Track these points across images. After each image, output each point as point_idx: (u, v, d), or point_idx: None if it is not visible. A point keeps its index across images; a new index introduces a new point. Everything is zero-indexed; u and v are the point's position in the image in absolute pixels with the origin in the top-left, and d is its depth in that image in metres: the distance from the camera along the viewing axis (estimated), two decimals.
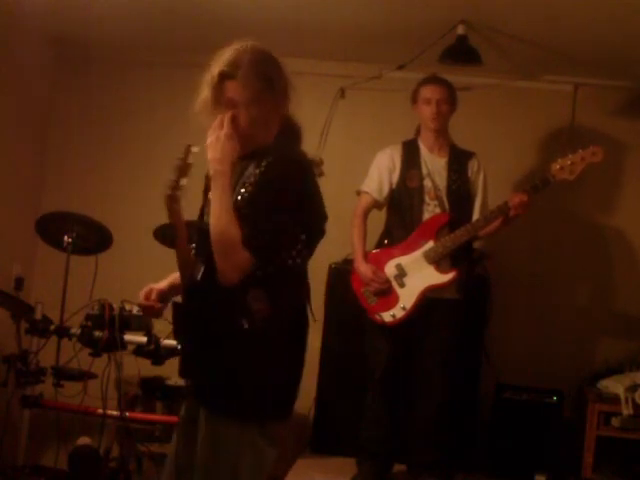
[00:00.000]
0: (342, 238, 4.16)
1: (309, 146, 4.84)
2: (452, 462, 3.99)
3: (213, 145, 2.25)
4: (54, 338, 3.81)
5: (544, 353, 4.55)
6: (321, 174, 4.88)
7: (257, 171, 2.26)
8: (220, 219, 2.19)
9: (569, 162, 3.69)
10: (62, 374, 3.77)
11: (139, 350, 3.74)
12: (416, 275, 3.81)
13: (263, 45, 2.36)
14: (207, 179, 2.42)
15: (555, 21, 3.85)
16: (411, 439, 3.94)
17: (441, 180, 3.90)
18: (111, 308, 3.57)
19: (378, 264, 3.88)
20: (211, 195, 2.26)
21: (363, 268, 3.86)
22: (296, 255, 2.29)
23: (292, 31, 4.32)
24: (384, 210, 4.05)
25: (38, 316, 3.96)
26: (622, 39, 4.00)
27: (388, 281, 3.84)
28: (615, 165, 4.53)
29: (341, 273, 4.23)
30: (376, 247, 3.98)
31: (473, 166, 3.98)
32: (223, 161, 2.23)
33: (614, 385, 4.04)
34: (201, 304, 2.28)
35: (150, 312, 2.49)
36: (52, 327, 3.84)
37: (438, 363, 3.84)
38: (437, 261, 3.80)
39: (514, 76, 4.61)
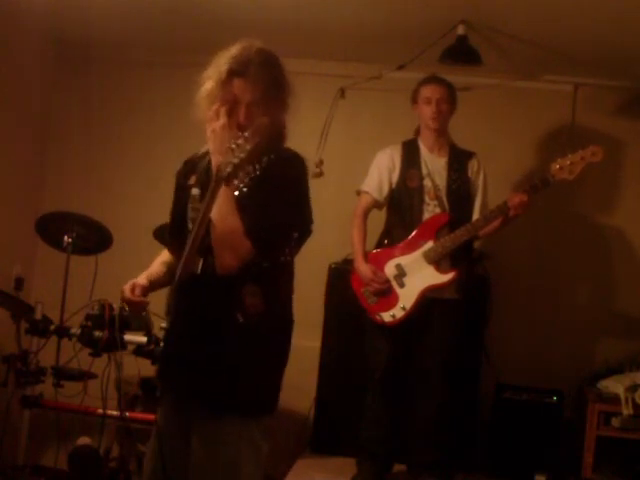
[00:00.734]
0: (342, 238, 4.17)
1: (309, 146, 4.87)
2: (452, 462, 3.99)
3: (211, 137, 2.27)
4: (54, 338, 3.81)
5: (544, 353, 4.55)
6: (321, 174, 4.94)
7: (257, 166, 2.26)
8: (222, 208, 2.20)
9: (569, 162, 3.69)
10: (62, 374, 3.77)
11: (139, 350, 3.74)
12: (416, 275, 3.81)
13: (269, 47, 2.39)
14: (178, 175, 2.45)
15: (555, 21, 3.85)
16: (411, 439, 3.94)
17: (441, 180, 3.90)
18: (111, 308, 3.57)
19: (378, 264, 3.88)
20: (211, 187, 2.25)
21: (363, 268, 3.86)
22: (288, 252, 2.35)
23: (292, 31, 4.32)
24: (384, 210, 4.05)
25: (38, 316, 3.96)
26: (622, 39, 4.00)
27: (388, 281, 3.84)
28: (615, 165, 4.53)
29: (341, 273, 4.23)
30: (376, 247, 3.98)
31: (473, 166, 3.98)
32: (222, 151, 2.22)
33: (614, 385, 4.04)
34: (199, 297, 2.29)
35: (137, 307, 2.51)
36: (52, 327, 3.83)
37: (438, 363, 3.84)
38: (437, 261, 3.80)
39: (514, 76, 4.61)
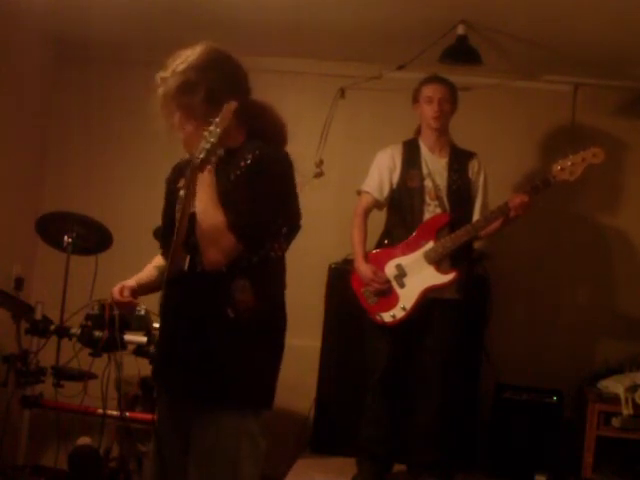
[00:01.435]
0: (342, 238, 4.17)
1: (309, 146, 4.88)
2: (452, 462, 3.98)
3: (188, 142, 2.33)
4: (54, 338, 3.81)
5: (544, 353, 4.55)
6: (321, 174, 4.94)
7: (242, 164, 2.30)
8: (205, 204, 2.24)
9: (570, 163, 3.69)
10: (62, 374, 3.77)
11: (139, 350, 3.74)
12: (416, 275, 3.81)
13: (214, 45, 2.42)
14: (168, 181, 2.48)
15: (555, 21, 3.85)
16: (411, 439, 3.94)
17: (442, 180, 3.90)
18: (111, 308, 3.57)
19: (378, 264, 3.87)
20: (197, 185, 2.29)
21: (363, 268, 3.86)
22: (278, 247, 2.37)
23: (292, 31, 4.32)
24: (384, 210, 4.05)
25: (38, 316, 3.96)
26: (622, 39, 4.00)
27: (388, 281, 3.84)
28: (615, 165, 4.53)
29: (341, 273, 4.23)
30: (376, 247, 3.97)
31: (474, 166, 3.97)
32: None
33: (614, 385, 4.04)
34: (187, 293, 2.30)
35: (126, 308, 2.57)
36: (52, 327, 3.84)
37: (438, 363, 3.84)
38: (437, 261, 3.80)
39: (514, 76, 4.61)
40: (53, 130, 4.99)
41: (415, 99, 3.96)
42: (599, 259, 4.65)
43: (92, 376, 3.75)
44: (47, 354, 3.89)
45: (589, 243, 4.65)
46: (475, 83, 4.49)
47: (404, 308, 3.80)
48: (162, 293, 2.36)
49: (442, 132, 3.94)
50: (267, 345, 2.37)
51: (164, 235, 2.53)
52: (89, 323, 3.63)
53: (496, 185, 4.08)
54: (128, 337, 3.68)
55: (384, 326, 3.84)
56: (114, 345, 3.55)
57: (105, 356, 3.63)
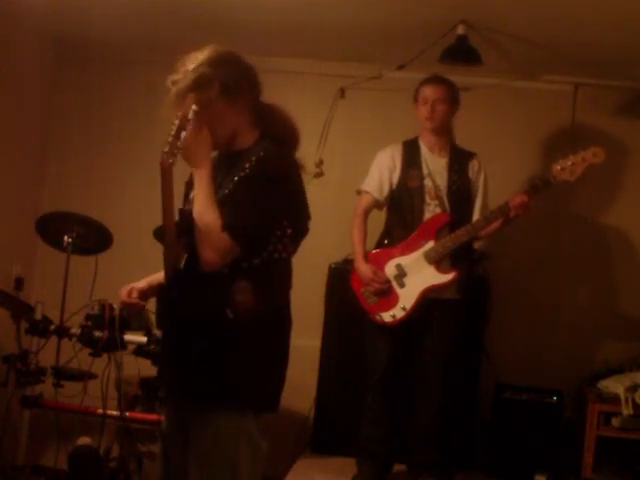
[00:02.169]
0: (342, 238, 4.17)
1: (309, 146, 4.85)
2: (452, 462, 3.99)
3: (185, 142, 2.30)
4: (54, 338, 3.81)
5: (544, 353, 4.55)
6: (321, 174, 4.93)
7: (247, 165, 2.30)
8: (201, 204, 2.26)
9: (570, 163, 3.69)
10: (62, 374, 3.77)
11: (139, 350, 3.74)
12: (416, 275, 3.81)
13: (222, 46, 2.41)
14: (161, 168, 2.47)
15: (555, 21, 3.85)
16: (411, 439, 3.94)
17: (442, 180, 3.90)
18: (111, 308, 3.57)
19: (378, 264, 3.87)
20: (195, 184, 2.31)
21: (363, 268, 3.86)
22: (282, 249, 2.35)
23: (292, 31, 4.32)
24: (384, 210, 4.05)
25: (38, 316, 3.96)
26: (622, 39, 4.00)
27: (388, 281, 3.84)
28: (615, 165, 4.52)
29: (341, 273, 4.23)
30: (376, 247, 3.97)
31: (474, 166, 3.97)
32: (196, 154, 2.30)
33: (614, 385, 4.04)
34: (185, 293, 2.30)
35: (133, 310, 2.54)
36: (52, 327, 3.84)
37: (438, 363, 3.84)
38: (437, 261, 3.80)
39: (514, 76, 4.61)
40: (53, 130, 4.99)
41: (415, 99, 3.96)
42: (599, 259, 4.65)
43: (92, 376, 3.75)
44: (47, 354, 3.89)
45: (589, 243, 4.65)
46: (475, 83, 4.49)
47: (404, 308, 3.80)
48: (159, 293, 2.36)
49: (438, 132, 3.93)
50: (268, 346, 2.36)
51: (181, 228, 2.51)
52: (89, 323, 3.63)
53: (496, 185, 4.07)
54: (128, 337, 3.68)
55: (384, 326, 3.84)
56: (114, 345, 3.55)
57: (105, 356, 3.63)
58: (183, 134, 2.20)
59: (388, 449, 3.92)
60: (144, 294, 2.50)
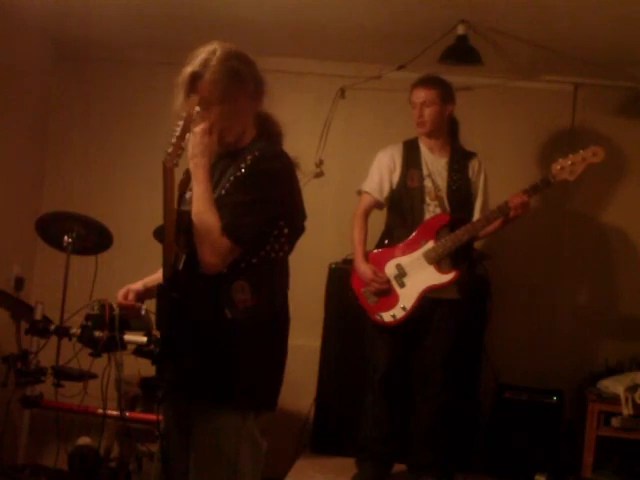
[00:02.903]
0: (342, 238, 4.18)
1: (309, 146, 4.87)
2: (452, 462, 3.99)
3: (191, 141, 2.31)
4: (54, 338, 3.81)
5: (544, 353, 4.55)
6: (321, 174, 4.93)
7: (242, 165, 2.31)
8: (200, 207, 2.26)
9: (570, 162, 3.69)
10: (62, 374, 3.76)
11: (139, 350, 3.73)
12: (416, 275, 3.81)
13: (234, 45, 2.39)
14: (164, 168, 2.46)
15: (555, 21, 3.85)
16: (411, 439, 3.94)
17: (442, 180, 3.90)
18: (111, 308, 3.56)
19: (378, 264, 3.87)
20: (193, 188, 2.31)
21: (363, 268, 3.86)
22: (279, 248, 2.36)
23: (292, 31, 4.32)
24: (384, 210, 4.05)
25: (38, 316, 3.95)
26: (622, 39, 4.01)
27: (388, 281, 3.84)
28: (615, 165, 4.53)
29: (341, 273, 4.23)
30: (376, 247, 3.97)
31: (474, 166, 3.97)
32: (201, 154, 2.30)
33: (614, 385, 4.04)
34: (183, 293, 2.30)
35: (130, 312, 2.57)
36: (52, 327, 3.83)
37: (438, 363, 3.84)
38: (437, 261, 3.80)
39: (514, 76, 4.61)
40: (53, 130, 4.99)
41: (409, 101, 3.95)
42: (599, 259, 4.65)
43: (92, 376, 3.74)
44: (47, 354, 3.89)
45: (589, 243, 4.65)
46: (475, 83, 4.50)
47: (404, 308, 3.80)
48: (158, 293, 2.36)
49: (435, 134, 3.92)
50: (267, 346, 2.36)
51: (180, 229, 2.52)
52: (89, 323, 3.62)
53: (496, 185, 4.07)
54: (128, 337, 3.66)
55: (384, 326, 3.84)
56: (114, 345, 3.55)
57: (105, 356, 3.63)
58: (188, 135, 2.19)
59: (388, 449, 3.92)
60: (140, 296, 2.52)
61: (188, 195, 2.40)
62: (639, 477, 4.04)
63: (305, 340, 4.16)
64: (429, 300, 3.81)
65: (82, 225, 3.94)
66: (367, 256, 3.90)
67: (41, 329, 3.85)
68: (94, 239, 4.02)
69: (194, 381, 2.32)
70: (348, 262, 4.17)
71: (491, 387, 4.35)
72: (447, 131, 3.97)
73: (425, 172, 3.89)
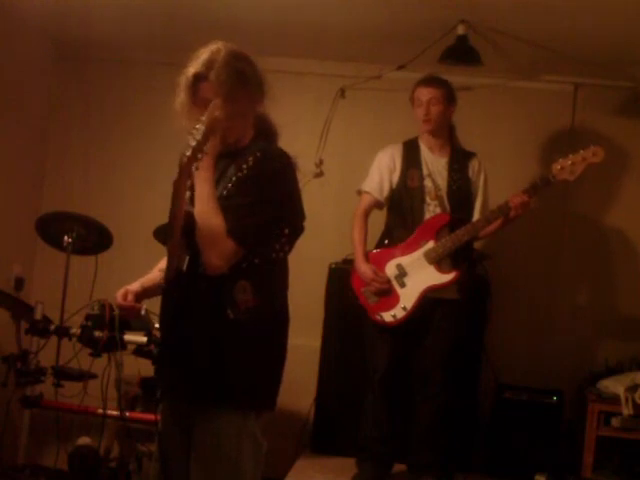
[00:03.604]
0: (342, 238, 4.17)
1: (309, 146, 4.87)
2: (452, 462, 3.99)
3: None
4: (54, 338, 3.81)
5: (544, 353, 4.54)
6: (321, 174, 4.93)
7: (244, 166, 2.31)
8: (204, 209, 2.25)
9: (570, 162, 3.69)
10: (62, 374, 3.76)
11: (139, 350, 3.74)
12: (417, 275, 3.81)
13: (236, 45, 2.39)
14: (180, 170, 2.45)
15: (555, 21, 3.85)
16: (411, 439, 3.94)
17: (442, 180, 3.89)
18: (111, 308, 3.56)
19: (378, 264, 3.87)
20: (196, 188, 2.30)
21: (364, 268, 3.86)
22: (279, 249, 2.37)
23: (292, 31, 4.32)
24: (384, 210, 4.05)
25: (38, 316, 3.95)
26: (622, 39, 4.01)
27: (389, 281, 3.83)
28: (615, 164, 4.52)
29: (341, 273, 4.23)
30: (376, 247, 3.97)
31: (474, 166, 3.97)
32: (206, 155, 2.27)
33: (614, 385, 4.04)
34: (186, 294, 2.30)
35: (129, 313, 2.57)
36: (52, 327, 3.83)
37: (438, 363, 3.84)
38: (438, 261, 3.80)
39: (514, 76, 4.61)
40: (53, 130, 4.99)
41: (411, 100, 3.95)
42: (599, 258, 4.65)
43: (92, 376, 3.74)
44: (47, 354, 3.89)
45: (589, 243, 4.65)
46: (475, 83, 4.50)
47: (405, 308, 3.80)
48: (162, 293, 2.36)
49: (436, 133, 3.92)
50: (268, 346, 2.37)
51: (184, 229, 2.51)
52: (89, 323, 3.62)
53: (496, 185, 4.07)
54: (128, 337, 3.67)
55: (384, 326, 3.84)
56: (114, 345, 3.54)
57: (105, 356, 3.62)
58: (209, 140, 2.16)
59: (388, 449, 3.92)
60: (139, 296, 2.52)
61: (188, 195, 2.40)
62: (639, 477, 4.04)
63: (305, 340, 4.16)
64: (429, 300, 3.81)
65: (82, 225, 3.94)
66: (367, 256, 3.90)
67: (41, 329, 3.85)
68: (94, 239, 4.02)
69: (196, 381, 2.32)
70: (348, 262, 4.17)
71: (491, 387, 4.35)
72: (447, 132, 3.97)
73: (425, 172, 3.89)
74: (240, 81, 2.33)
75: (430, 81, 3.90)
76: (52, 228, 4.01)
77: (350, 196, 4.13)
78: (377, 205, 4.02)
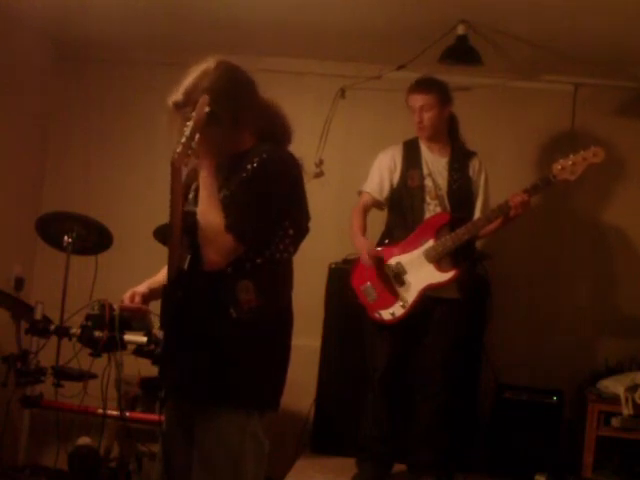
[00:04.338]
0: (342, 238, 4.18)
1: (309, 146, 4.87)
2: (452, 462, 3.99)
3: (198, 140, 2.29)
4: (54, 338, 3.81)
5: (544, 353, 4.55)
6: (321, 174, 4.93)
7: (249, 167, 2.31)
8: (205, 206, 2.26)
9: (570, 162, 3.68)
10: (62, 374, 3.76)
11: (139, 350, 3.74)
12: (416, 273, 3.81)
13: (222, 59, 2.40)
14: (172, 168, 2.44)
15: (555, 21, 3.85)
16: (411, 439, 3.94)
17: (442, 180, 3.90)
18: (111, 308, 3.56)
19: (378, 262, 3.87)
20: (199, 187, 2.31)
21: (361, 240, 3.84)
22: (284, 249, 2.37)
23: (292, 31, 4.32)
24: (385, 210, 4.05)
25: (38, 316, 3.95)
26: (622, 39, 4.00)
27: (382, 259, 3.81)
28: (615, 164, 4.52)
29: (341, 273, 4.22)
30: (377, 246, 3.97)
31: (474, 165, 3.97)
32: (208, 154, 2.30)
33: (614, 385, 4.04)
34: (188, 293, 2.30)
35: (137, 315, 2.57)
36: (52, 327, 3.83)
37: (438, 363, 3.84)
38: (437, 260, 3.80)
39: (514, 76, 4.61)
40: (53, 130, 4.99)
41: (406, 105, 3.94)
42: (599, 258, 4.65)
43: (92, 376, 3.74)
44: (47, 354, 3.89)
45: (589, 243, 4.65)
46: (475, 83, 4.50)
47: (404, 306, 3.80)
48: (163, 293, 2.36)
49: (435, 137, 3.91)
50: (271, 346, 2.37)
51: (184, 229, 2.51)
52: (89, 323, 3.62)
53: (496, 185, 4.07)
54: (128, 337, 3.66)
55: (384, 325, 3.84)
56: (114, 345, 3.54)
57: (105, 356, 3.62)
58: (197, 136, 2.19)
59: (388, 448, 3.92)
60: (146, 298, 2.51)
61: (191, 195, 2.40)
62: (639, 477, 4.04)
63: (305, 340, 4.14)
64: (429, 299, 3.81)
65: (82, 225, 3.95)
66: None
67: (41, 329, 3.85)
68: (94, 239, 4.02)
69: (199, 381, 2.32)
70: (348, 262, 4.17)
71: (491, 387, 4.35)
72: (447, 131, 3.97)
73: (425, 171, 3.89)
74: (212, 123, 2.30)
75: (419, 87, 3.88)
76: (52, 228, 4.02)
77: (350, 196, 4.13)
78: (376, 205, 4.02)
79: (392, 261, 3.86)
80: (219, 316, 2.29)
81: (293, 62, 4.72)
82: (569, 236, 4.65)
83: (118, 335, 3.50)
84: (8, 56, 4.45)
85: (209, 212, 2.25)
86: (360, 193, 4.03)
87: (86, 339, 3.61)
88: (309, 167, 4.36)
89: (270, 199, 2.30)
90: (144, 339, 3.70)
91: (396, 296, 3.83)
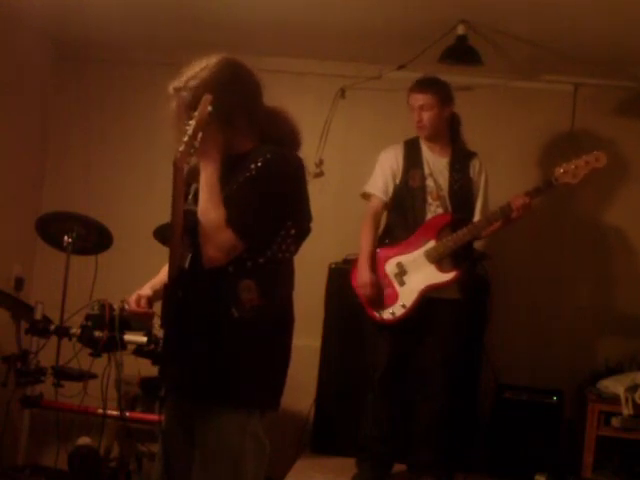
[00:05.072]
0: (342, 238, 4.18)
1: (309, 146, 4.84)
2: (452, 462, 3.99)
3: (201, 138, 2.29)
4: (54, 338, 3.81)
5: (544, 353, 4.55)
6: (321, 174, 4.93)
7: (252, 166, 2.30)
8: (206, 203, 2.26)
9: (573, 166, 3.68)
10: (62, 374, 3.76)
11: (139, 350, 3.74)
12: (417, 274, 3.81)
13: (227, 56, 2.40)
14: (174, 167, 2.44)
15: (555, 21, 3.85)
16: (411, 439, 3.94)
17: (443, 180, 3.89)
18: (111, 308, 3.57)
19: (379, 262, 3.87)
20: (200, 185, 2.31)
21: (365, 273, 3.83)
22: (285, 249, 2.37)
23: (292, 31, 4.32)
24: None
25: (38, 316, 3.95)
26: (622, 39, 4.00)
27: (381, 293, 3.82)
28: (615, 165, 4.51)
29: (341, 273, 4.23)
30: (377, 246, 3.97)
31: (475, 166, 3.97)
32: (211, 151, 2.30)
33: (614, 385, 4.04)
34: (190, 292, 2.29)
35: (143, 318, 2.54)
36: (52, 327, 3.83)
37: (438, 363, 3.83)
38: (438, 260, 3.80)
39: (514, 76, 4.61)
40: (53, 130, 4.99)
41: (407, 104, 3.94)
42: (599, 259, 4.65)
43: (92, 376, 3.75)
44: (47, 354, 3.89)
45: (589, 243, 4.65)
46: (475, 83, 4.50)
47: (404, 306, 3.80)
48: (164, 292, 2.35)
49: (435, 137, 3.91)
50: (272, 345, 2.37)
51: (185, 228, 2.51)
52: (89, 323, 3.62)
53: (496, 185, 4.07)
54: (128, 337, 3.67)
55: (384, 325, 3.84)
56: (114, 345, 3.55)
57: (105, 356, 3.63)
58: (200, 135, 2.19)
59: (388, 448, 3.91)
60: (150, 300, 2.50)
61: (191, 195, 2.40)
62: (639, 477, 4.04)
63: (305, 340, 4.13)
64: (430, 299, 3.80)
65: (82, 225, 3.95)
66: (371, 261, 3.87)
67: (41, 329, 3.85)
68: (94, 239, 4.02)
69: (200, 380, 2.32)
70: (348, 262, 4.17)
71: (491, 387, 4.34)
72: (448, 131, 3.97)
73: (427, 171, 3.89)
74: (230, 81, 2.33)
75: (420, 86, 3.88)
76: (52, 228, 4.02)
77: (350, 196, 4.13)
78: (385, 208, 4.00)
79: (393, 261, 3.86)
80: (220, 315, 2.29)
81: (293, 62, 4.72)
82: (569, 236, 4.65)
83: (118, 335, 3.51)
84: (8, 56, 4.45)
85: (210, 209, 2.25)
86: (366, 196, 4.00)
87: (86, 339, 3.62)
88: (309, 167, 4.36)
89: (273, 199, 2.30)
90: (144, 339, 3.71)
91: (397, 296, 3.82)
